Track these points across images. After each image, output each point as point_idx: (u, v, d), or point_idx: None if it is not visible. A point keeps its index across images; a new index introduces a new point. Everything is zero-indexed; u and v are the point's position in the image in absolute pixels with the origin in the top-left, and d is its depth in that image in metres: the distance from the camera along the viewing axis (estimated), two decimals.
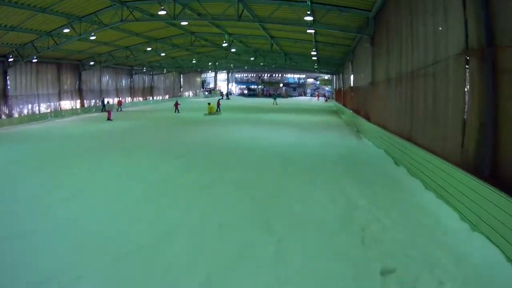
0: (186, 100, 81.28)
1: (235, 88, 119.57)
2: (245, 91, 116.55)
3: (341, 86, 58.19)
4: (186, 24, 36.99)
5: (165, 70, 76.06)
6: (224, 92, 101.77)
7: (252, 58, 60.93)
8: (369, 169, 16.10)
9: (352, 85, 41.18)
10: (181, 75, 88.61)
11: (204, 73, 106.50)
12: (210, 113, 44.59)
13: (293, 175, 14.86)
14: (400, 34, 18.26)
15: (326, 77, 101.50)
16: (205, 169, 16.00)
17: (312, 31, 29.51)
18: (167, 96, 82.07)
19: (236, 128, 31.42)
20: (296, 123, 36.54)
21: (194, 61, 65.33)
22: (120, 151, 20.66)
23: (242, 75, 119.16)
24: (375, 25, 24.91)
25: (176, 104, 50.70)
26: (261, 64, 71.19)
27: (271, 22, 28.58)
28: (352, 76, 41.41)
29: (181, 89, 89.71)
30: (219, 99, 53.30)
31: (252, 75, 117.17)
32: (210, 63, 73.07)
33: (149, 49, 46.50)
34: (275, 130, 30.28)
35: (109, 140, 25.71)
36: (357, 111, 34.89)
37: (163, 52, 49.99)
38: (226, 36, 40.68)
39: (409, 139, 16.02)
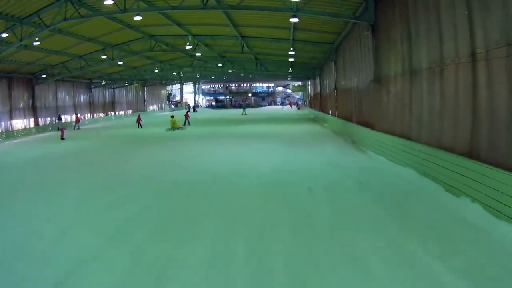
0: (151, 115, 74.39)
1: (202, 100, 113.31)
2: (213, 103, 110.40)
3: (319, 90, 52.67)
4: (144, 26, 31.34)
5: (126, 82, 69.13)
6: (192, 104, 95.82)
7: (219, 65, 54.60)
8: (421, 207, 10.07)
9: (336, 87, 35.42)
10: (145, 88, 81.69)
11: (169, 85, 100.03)
12: (173, 127, 37.90)
13: (318, 248, 7.68)
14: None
15: (297, 84, 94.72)
16: (149, 242, 8.39)
17: (296, 20, 23.32)
18: (130, 111, 74.86)
19: (206, 147, 24.78)
20: (277, 135, 30.84)
21: (156, 70, 58.22)
22: (30, 196, 12.82)
23: (209, 86, 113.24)
24: (379, 9, 19.24)
25: (139, 119, 44.63)
26: (230, 71, 64.77)
27: (246, 8, 22.27)
28: (335, 78, 35.66)
29: (145, 102, 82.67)
30: (187, 112, 47.13)
31: (219, 85, 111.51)
32: (174, 73, 65.98)
33: (104, 57, 39.64)
34: (255, 147, 23.80)
35: (41, 169, 18.78)
36: (347, 118, 29.43)
37: (120, 61, 43.00)
38: (190, 38, 34.53)
39: (469, 155, 10.39)
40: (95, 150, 25.97)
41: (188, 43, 34.74)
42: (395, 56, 17.58)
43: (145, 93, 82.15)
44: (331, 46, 34.27)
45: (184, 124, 42.73)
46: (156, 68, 57.19)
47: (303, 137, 28.70)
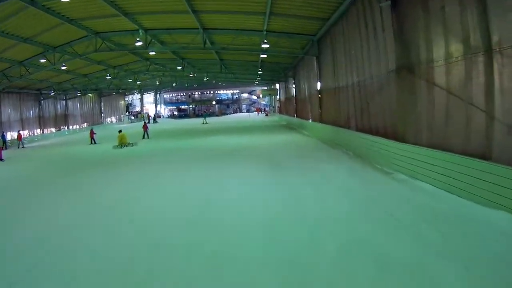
0: (109, 127, 66.44)
1: (164, 110, 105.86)
2: (176, 112, 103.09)
3: (294, 94, 46.19)
4: (86, 18, 24.77)
5: (79, 92, 61.10)
6: (152, 114, 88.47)
7: (179, 67, 47.29)
8: None
9: (321, 87, 29.06)
10: (101, 99, 73.71)
11: (128, 95, 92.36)
12: (121, 144, 29.75)
13: None
14: None
15: (266, 88, 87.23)
16: None
17: None
18: (85, 124, 66.98)
19: (150, 177, 16.19)
20: (253, 148, 23.99)
21: (109, 77, 50.40)
22: None
23: (171, 95, 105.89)
24: None
25: (92, 134, 37.26)
26: (191, 75, 57.62)
27: None
28: (318, 76, 29.17)
29: (102, 115, 74.78)
30: (145, 123, 40.01)
31: (182, 94, 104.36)
32: (130, 80, 58.03)
33: (43, 60, 32.10)
34: (234, 175, 15.40)
35: None
36: (340, 123, 23.24)
37: (64, 65, 35.33)
38: (141, 33, 27.45)
39: None
40: (17, 183, 17.46)
41: (138, 39, 27.68)
42: (444, 29, 11.21)
43: (102, 104, 74.27)
44: (311, 38, 27.99)
45: (143, 137, 36.93)
46: (109, 75, 49.69)
47: (288, 151, 21.82)
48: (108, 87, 67.61)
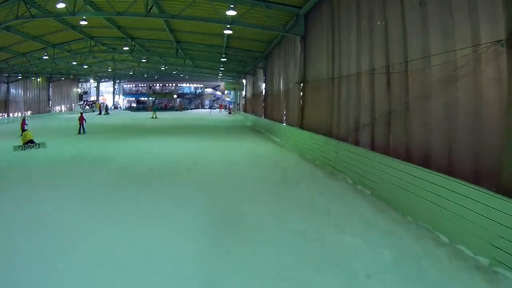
0: (56, 117, 57.11)
1: (123, 101, 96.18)
2: (134, 104, 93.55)
3: (263, 89, 37.88)
4: None
5: (20, 75, 51.18)
6: (110, 105, 78.97)
7: (125, 48, 37.87)
8: None
9: (304, 79, 21.00)
10: (50, 84, 63.77)
11: (83, 82, 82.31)
12: (25, 144, 20.04)
13: None
14: None
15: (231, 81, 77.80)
16: None
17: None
18: (29, 112, 57.30)
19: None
20: (201, 168, 14.72)
21: (46, 56, 40.67)
22: None
23: (131, 86, 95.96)
24: None
25: (23, 124, 28.65)
26: (143, 60, 48.22)
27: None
28: (302, 65, 21.19)
29: (50, 102, 64.94)
30: (81, 114, 31.09)
31: (142, 85, 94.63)
32: (75, 63, 48.08)
33: None
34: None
35: None
36: (338, 134, 15.39)
37: None
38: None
39: None
40: None
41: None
42: None
43: (50, 90, 64.30)
44: (296, 11, 20.69)
45: (79, 132, 29.49)
46: (46, 54, 40.29)
47: (256, 180, 12.47)
48: (57, 71, 57.48)
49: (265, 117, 36.01)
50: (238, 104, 70.08)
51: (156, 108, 58.03)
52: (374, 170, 10.65)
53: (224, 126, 38.95)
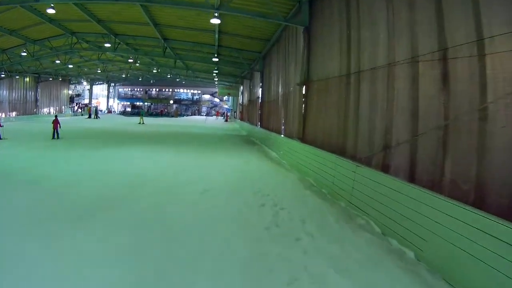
0: (42, 119, 51.97)
1: (117, 105, 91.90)
2: (129, 109, 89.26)
3: (260, 95, 33.19)
4: None
5: (3, 73, 46.56)
6: (104, 109, 74.19)
7: (107, 45, 32.66)
8: None
9: (309, 79, 16.45)
10: (38, 85, 59.33)
11: (75, 84, 77.76)
12: None
13: None
14: None
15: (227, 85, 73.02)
16: None
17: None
18: (14, 114, 53.33)
19: None
20: (166, 204, 10.00)
21: (24, 53, 36.44)
22: None
23: (126, 90, 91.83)
24: None
25: None
26: (130, 60, 43.02)
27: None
28: (306, 63, 16.66)
29: (38, 103, 60.37)
30: (56, 118, 26.78)
31: (138, 89, 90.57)
32: (58, 61, 43.68)
33: None
34: None
35: None
36: (357, 154, 10.98)
37: None
38: None
39: None
40: None
41: None
42: None
43: (38, 91, 59.85)
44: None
45: (53, 137, 25.45)
46: (24, 51, 36.10)
47: (244, 223, 8.32)
48: (44, 71, 54.16)
49: (261, 126, 31.51)
50: (235, 112, 65.61)
51: (143, 113, 53.41)
52: (418, 217, 6.32)
53: (216, 135, 34.34)
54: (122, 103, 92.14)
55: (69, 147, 20.66)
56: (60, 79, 62.87)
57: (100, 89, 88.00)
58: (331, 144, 13.07)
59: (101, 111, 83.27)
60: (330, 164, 11.10)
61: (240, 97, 54.33)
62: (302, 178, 12.96)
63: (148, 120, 56.08)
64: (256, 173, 14.27)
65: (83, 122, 48.83)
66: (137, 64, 46.72)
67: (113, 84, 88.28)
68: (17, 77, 51.59)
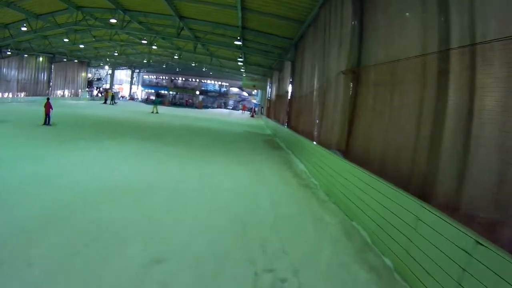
0: (55, 103, 48.42)
1: (141, 92, 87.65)
2: (152, 97, 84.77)
3: (291, 88, 27.24)
4: None
5: (9, 50, 42.04)
6: (126, 95, 69.36)
7: (113, 20, 27.77)
8: None
9: (357, 66, 11.19)
10: (52, 65, 55.25)
11: (100, 68, 73.96)
12: None
13: None
14: None
15: (253, 77, 66.42)
16: None
17: None
18: (23, 94, 49.34)
19: None
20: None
21: (24, 28, 31.30)
22: None
23: (151, 77, 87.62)
24: None
25: None
26: (143, 41, 37.34)
27: None
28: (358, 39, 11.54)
29: (50, 85, 56.18)
30: (48, 101, 22.37)
31: (164, 77, 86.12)
32: (67, 40, 38.69)
33: None
34: None
35: None
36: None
37: None
38: None
39: None
40: None
41: None
42: None
43: (52, 72, 55.70)
44: None
45: (44, 123, 21.66)
46: (24, 26, 31.30)
47: None
48: (59, 52, 50.46)
49: (288, 126, 26.19)
50: (262, 108, 60.16)
51: (158, 101, 48.29)
52: None
53: (235, 133, 29.09)
54: (146, 90, 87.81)
55: (52, 139, 16.26)
56: (76, 60, 58.41)
57: (124, 75, 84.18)
58: (399, 169, 7.71)
59: (122, 97, 79.24)
60: (406, 214, 5.70)
61: (268, 91, 48.82)
62: (347, 227, 7.57)
63: (167, 110, 51.39)
64: (270, 202, 9.13)
65: (93, 107, 44.86)
66: (154, 47, 41.65)
67: (137, 71, 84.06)
68: (25, 56, 47.19)
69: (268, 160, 16.47)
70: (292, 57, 27.06)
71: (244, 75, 54.16)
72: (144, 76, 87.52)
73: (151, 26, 30.00)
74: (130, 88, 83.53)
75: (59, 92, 58.56)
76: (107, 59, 62.51)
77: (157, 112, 42.01)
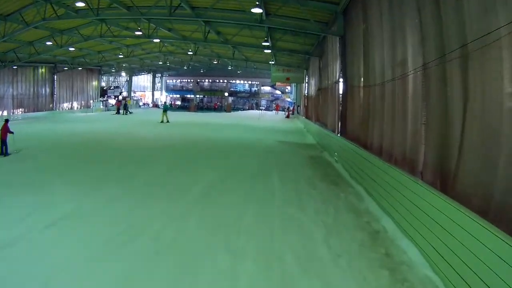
0: (55, 117, 41.64)
1: (166, 98, 79.25)
2: (179, 102, 76.71)
3: (343, 76, 17.18)
4: None
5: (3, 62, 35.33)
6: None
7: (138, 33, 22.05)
8: None
9: None
10: (55, 75, 47.31)
11: (117, 76, 66.40)
12: None
13: None
14: None
15: (285, 69, 55.33)
16: None
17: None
18: (20, 111, 42.16)
19: None
20: None
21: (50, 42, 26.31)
22: None
23: (175, 81, 79.61)
24: None
25: None
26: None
27: None
28: None
29: (55, 97, 48.58)
30: (6, 122, 16.25)
31: (189, 80, 77.92)
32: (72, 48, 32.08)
33: None
34: None
35: None
36: None
37: None
38: None
39: None
40: None
41: None
42: None
43: (55, 83, 47.94)
44: None
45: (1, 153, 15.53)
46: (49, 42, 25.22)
47: None
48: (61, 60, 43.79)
49: (343, 134, 16.83)
50: (298, 106, 50.28)
51: (167, 107, 38.41)
52: None
53: (265, 147, 19.83)
54: (171, 95, 79.65)
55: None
56: (80, 68, 50.23)
57: (147, 81, 76.56)
58: None
59: (145, 105, 71.32)
60: None
61: (304, 86, 39.30)
62: None
63: (190, 116, 42.64)
64: None
65: (99, 120, 37.80)
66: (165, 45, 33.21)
67: (159, 75, 76.17)
68: (15, 67, 39.47)
69: (319, 204, 8.46)
70: (341, 31, 17.69)
71: (272, 64, 42.37)
72: (168, 81, 79.60)
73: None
74: (153, 94, 75.78)
75: (66, 105, 50.89)
76: (122, 64, 54.55)
77: (167, 121, 33.44)
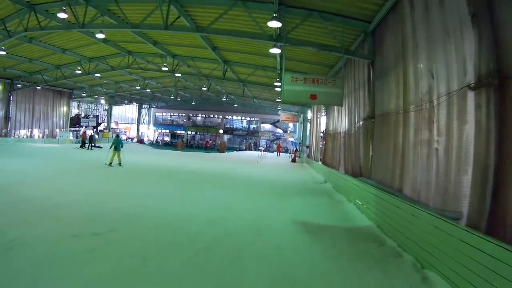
0: (11, 146, 32.85)
1: (153, 133, 69.78)
2: (168, 138, 67.19)
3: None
4: None
5: None
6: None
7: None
8: None
9: None
10: (11, 94, 38.39)
11: (97, 103, 57.08)
12: None
13: None
14: None
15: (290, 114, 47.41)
16: None
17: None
18: None
19: None
20: None
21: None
22: None
23: (165, 115, 70.42)
24: None
25: None
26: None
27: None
28: None
29: (9, 122, 39.33)
30: None
31: (180, 115, 68.77)
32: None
33: None
34: None
35: None
36: None
37: None
38: None
39: None
40: None
41: None
42: None
43: (10, 103, 38.59)
44: None
45: None
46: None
47: None
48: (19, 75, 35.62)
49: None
50: (307, 147, 39.75)
51: (119, 142, 22.76)
52: None
53: (272, 246, 7.73)
54: (160, 130, 70.35)
55: None
56: (39, 88, 40.32)
57: (135, 112, 67.22)
58: None
59: (128, 139, 61.21)
60: None
61: (316, 118, 29.43)
62: None
63: (172, 157, 32.08)
64: None
65: (45, 156, 25.61)
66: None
67: (146, 106, 66.92)
68: None
69: None
70: (370, 54, 8.82)
71: (285, 72, 31.08)
72: (156, 114, 70.31)
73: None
74: (138, 128, 65.95)
75: (23, 132, 41.07)
76: (95, 88, 44.81)
77: (119, 164, 21.95)
